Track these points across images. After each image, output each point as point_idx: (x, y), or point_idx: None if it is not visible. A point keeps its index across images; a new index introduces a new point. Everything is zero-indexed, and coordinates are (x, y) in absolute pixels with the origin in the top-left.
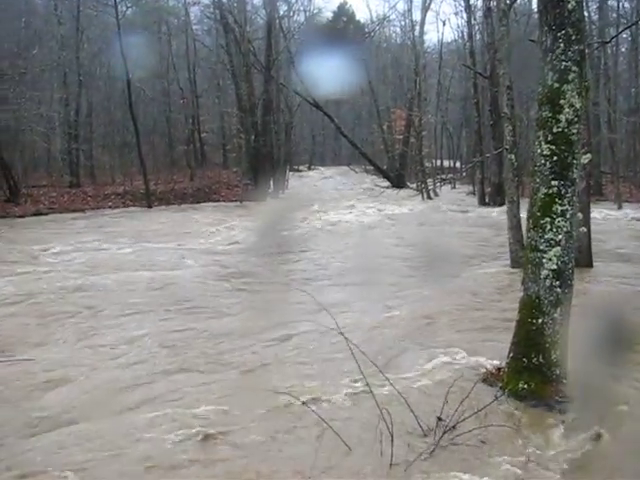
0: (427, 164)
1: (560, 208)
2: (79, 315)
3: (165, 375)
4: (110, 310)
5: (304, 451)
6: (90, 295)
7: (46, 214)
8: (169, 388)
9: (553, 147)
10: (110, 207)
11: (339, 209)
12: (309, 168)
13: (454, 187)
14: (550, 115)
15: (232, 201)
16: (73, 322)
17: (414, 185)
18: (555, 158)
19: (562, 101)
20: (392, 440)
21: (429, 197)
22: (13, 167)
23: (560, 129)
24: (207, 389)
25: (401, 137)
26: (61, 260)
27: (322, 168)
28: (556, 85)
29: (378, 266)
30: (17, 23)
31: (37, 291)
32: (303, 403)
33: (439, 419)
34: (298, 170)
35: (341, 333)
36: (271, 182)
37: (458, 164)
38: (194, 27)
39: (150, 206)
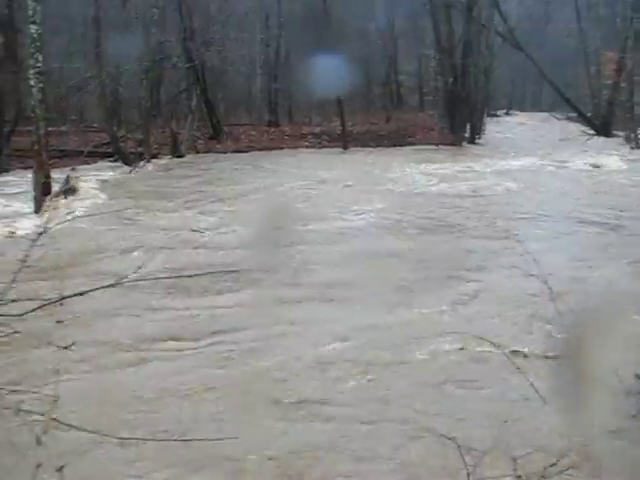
0: (639, 112)
1: None
2: None
3: None
4: None
5: (498, 400)
6: None
7: (245, 151)
8: None
9: None
10: (306, 147)
11: (544, 158)
12: (507, 113)
13: None
14: None
15: (427, 144)
16: None
17: (622, 134)
18: None
19: None
20: (592, 396)
21: (638, 147)
22: (216, 106)
23: None
24: None
25: (610, 82)
26: None
27: (520, 113)
28: None
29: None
30: None
31: None
32: (498, 347)
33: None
34: (495, 115)
35: (543, 281)
36: (467, 126)
37: None
38: None
39: (346, 147)
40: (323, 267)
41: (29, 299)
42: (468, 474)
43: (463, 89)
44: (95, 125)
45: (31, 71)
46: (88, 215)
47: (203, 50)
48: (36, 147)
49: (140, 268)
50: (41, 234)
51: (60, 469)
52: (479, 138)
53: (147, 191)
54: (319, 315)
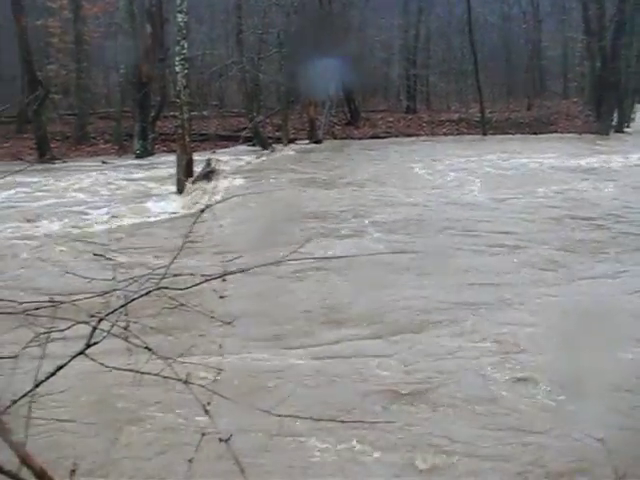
0: None
1: None
2: None
3: None
4: None
5: None
6: None
7: (382, 138)
8: None
9: None
10: (444, 134)
11: None
12: None
13: None
14: None
15: (570, 133)
16: None
17: None
18: None
19: None
20: None
21: None
22: (354, 92)
23: None
24: None
25: None
26: None
27: None
28: None
29: None
30: None
31: None
32: None
33: None
34: None
35: None
36: (615, 114)
37: None
38: None
39: (485, 134)
40: None
41: (191, 274)
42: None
43: (612, 74)
44: (235, 110)
45: (177, 58)
46: (235, 195)
47: (342, 36)
48: (180, 131)
49: (302, 247)
50: (203, 211)
51: (227, 440)
52: (628, 127)
53: (285, 174)
54: None
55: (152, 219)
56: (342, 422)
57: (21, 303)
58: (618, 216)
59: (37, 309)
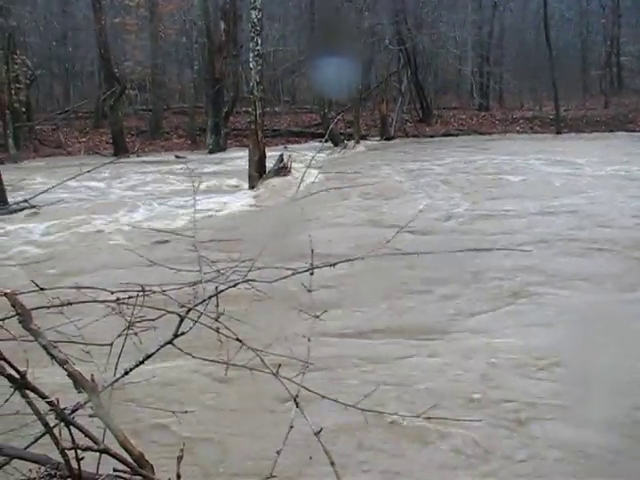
0: None
1: None
2: None
3: None
4: None
5: None
6: None
7: (455, 135)
8: None
9: None
10: (517, 132)
11: None
12: None
13: None
14: None
15: None
16: None
17: None
18: None
19: None
20: None
21: None
22: (426, 89)
23: None
24: None
25: None
26: None
27: None
28: None
29: None
30: None
31: None
32: None
33: None
34: None
35: None
36: None
37: None
38: None
39: (559, 132)
40: None
41: (276, 267)
42: None
43: None
44: (306, 106)
45: (251, 54)
46: (318, 191)
47: (414, 32)
48: (252, 127)
49: (388, 242)
50: (291, 204)
51: (318, 432)
52: None
53: (357, 171)
54: None
55: (225, 213)
56: (428, 419)
57: (113, 292)
58: None
59: (129, 298)
